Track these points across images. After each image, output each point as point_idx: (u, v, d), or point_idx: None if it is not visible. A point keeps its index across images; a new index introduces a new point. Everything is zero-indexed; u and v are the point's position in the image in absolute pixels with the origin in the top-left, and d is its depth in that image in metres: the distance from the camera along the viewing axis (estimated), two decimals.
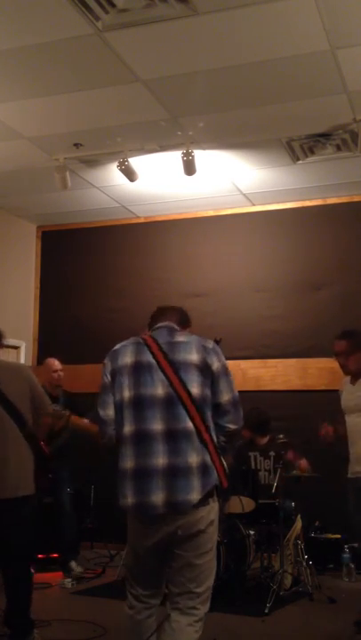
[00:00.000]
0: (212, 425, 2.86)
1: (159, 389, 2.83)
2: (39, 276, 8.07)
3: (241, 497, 5.36)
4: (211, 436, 2.83)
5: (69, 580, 5.63)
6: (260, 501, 5.38)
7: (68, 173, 6.04)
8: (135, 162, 5.94)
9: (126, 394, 2.87)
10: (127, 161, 5.84)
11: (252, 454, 5.93)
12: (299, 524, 5.48)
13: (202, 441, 2.79)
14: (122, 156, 5.83)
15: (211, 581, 2.86)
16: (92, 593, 5.41)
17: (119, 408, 2.89)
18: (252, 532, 5.40)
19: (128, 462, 2.82)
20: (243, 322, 7.10)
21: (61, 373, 6.20)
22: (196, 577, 2.80)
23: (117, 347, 3.01)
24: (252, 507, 5.36)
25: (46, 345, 7.74)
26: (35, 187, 6.75)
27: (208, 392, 2.86)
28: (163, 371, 2.84)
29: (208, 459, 2.79)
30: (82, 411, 5.85)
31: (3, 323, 7.25)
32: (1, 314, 7.33)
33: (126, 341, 3.01)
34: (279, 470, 5.33)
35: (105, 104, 5.11)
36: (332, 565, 5.94)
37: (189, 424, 2.79)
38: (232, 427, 2.90)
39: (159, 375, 2.84)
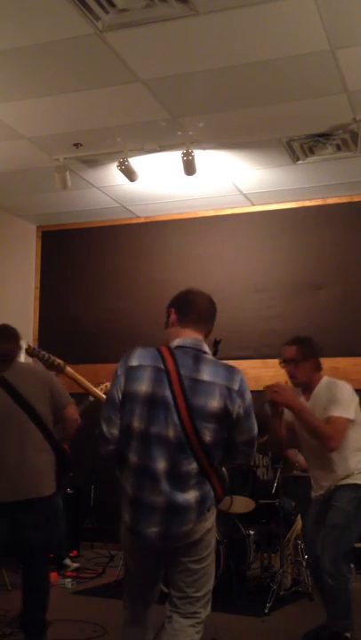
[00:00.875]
0: (218, 457, 2.77)
1: (170, 432, 2.67)
2: (39, 276, 8.07)
3: (237, 496, 5.35)
4: (215, 467, 2.73)
5: (69, 579, 5.63)
6: (260, 501, 5.38)
7: (68, 173, 6.04)
8: (135, 162, 5.94)
9: (135, 424, 2.71)
10: (127, 161, 5.83)
11: None
12: (299, 524, 5.47)
13: (205, 475, 2.70)
14: (122, 156, 5.82)
15: (210, 585, 2.82)
16: (92, 593, 5.41)
17: (126, 434, 2.74)
18: (252, 532, 5.40)
19: (128, 489, 2.73)
20: (243, 322, 7.10)
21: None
22: (194, 582, 2.77)
23: (134, 362, 2.76)
24: (252, 507, 5.36)
25: (46, 345, 7.72)
26: (35, 187, 6.75)
27: (223, 435, 2.72)
28: (178, 414, 2.66)
29: (207, 489, 2.71)
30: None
31: (3, 323, 7.29)
32: (1, 314, 7.33)
33: (145, 358, 2.77)
34: (279, 470, 5.32)
35: (105, 104, 5.11)
36: None
37: (194, 465, 2.67)
38: (240, 462, 2.85)
39: (173, 418, 2.67)
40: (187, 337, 2.84)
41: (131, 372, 2.76)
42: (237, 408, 2.71)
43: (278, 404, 3.88)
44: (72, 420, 4.00)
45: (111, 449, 2.77)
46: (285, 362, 4.03)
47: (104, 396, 3.56)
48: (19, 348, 4.05)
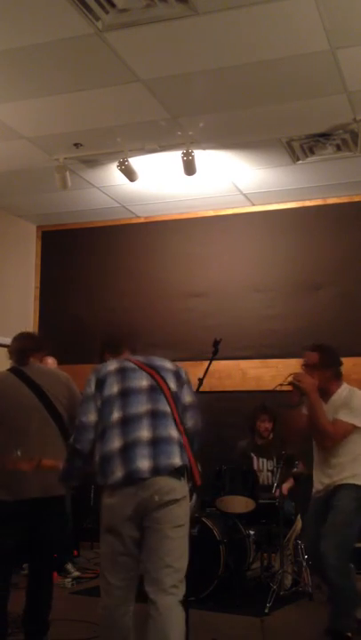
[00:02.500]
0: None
1: (144, 382, 3.17)
2: (39, 276, 8.07)
3: (237, 496, 5.35)
4: (184, 427, 3.16)
5: (69, 579, 5.63)
6: (260, 501, 5.38)
7: (68, 173, 6.04)
8: (135, 162, 5.94)
9: (115, 389, 3.14)
10: (127, 161, 5.84)
11: (253, 455, 5.94)
12: (299, 524, 5.47)
13: (177, 425, 3.11)
14: (122, 155, 5.83)
15: (185, 563, 2.97)
16: (92, 593, 5.39)
17: (108, 402, 3.12)
18: (252, 532, 5.40)
19: (116, 442, 3.03)
20: (243, 322, 7.10)
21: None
22: (171, 551, 2.92)
23: (99, 365, 3.29)
24: (252, 507, 5.36)
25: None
26: (35, 187, 6.75)
27: (179, 393, 3.23)
28: (145, 371, 3.21)
29: (183, 441, 3.09)
30: None
31: (3, 323, 7.30)
32: (1, 314, 7.34)
33: (108, 362, 3.32)
34: (280, 470, 5.31)
35: (105, 104, 5.12)
36: None
37: (168, 408, 3.13)
38: (190, 423, 3.20)
39: (143, 373, 3.20)
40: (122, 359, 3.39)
41: (98, 368, 3.24)
42: (183, 375, 3.30)
43: (299, 389, 4.01)
44: None
45: (89, 437, 3.11)
46: (306, 366, 4.15)
47: None
48: (33, 348, 4.08)
